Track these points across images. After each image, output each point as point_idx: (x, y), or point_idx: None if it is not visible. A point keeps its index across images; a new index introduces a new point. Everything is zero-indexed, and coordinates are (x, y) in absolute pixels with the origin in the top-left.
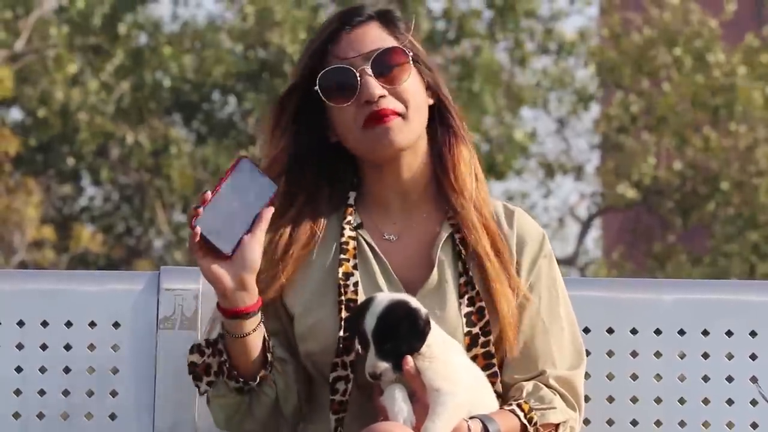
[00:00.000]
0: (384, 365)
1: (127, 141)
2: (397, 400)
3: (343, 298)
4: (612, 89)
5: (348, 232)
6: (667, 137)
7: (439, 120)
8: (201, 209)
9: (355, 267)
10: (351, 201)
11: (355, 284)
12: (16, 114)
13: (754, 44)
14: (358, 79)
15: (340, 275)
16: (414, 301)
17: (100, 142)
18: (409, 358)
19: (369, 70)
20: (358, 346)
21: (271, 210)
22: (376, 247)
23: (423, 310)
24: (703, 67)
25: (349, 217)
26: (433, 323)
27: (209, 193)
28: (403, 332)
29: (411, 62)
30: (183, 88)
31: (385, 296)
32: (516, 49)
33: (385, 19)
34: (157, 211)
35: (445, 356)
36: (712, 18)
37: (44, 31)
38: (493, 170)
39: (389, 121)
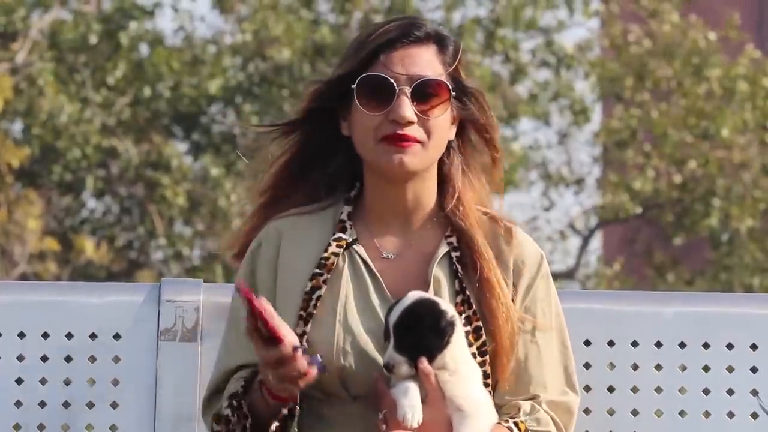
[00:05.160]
0: (399, 358)
1: (122, 153)
2: (410, 393)
3: (303, 312)
4: (612, 101)
5: (333, 249)
6: (663, 157)
7: (458, 150)
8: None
9: (324, 282)
10: (344, 216)
11: (318, 299)
12: (16, 127)
13: (754, 56)
14: (396, 96)
15: (307, 288)
16: (444, 303)
17: (91, 154)
18: (423, 358)
19: (408, 92)
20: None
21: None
22: (371, 264)
23: (451, 313)
24: (701, 82)
25: (339, 234)
26: (463, 340)
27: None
28: (423, 329)
29: (450, 99)
30: (181, 101)
31: (416, 293)
32: (511, 61)
33: (442, 45)
34: (156, 224)
35: (467, 375)
36: (710, 31)
37: (39, 47)
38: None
39: (408, 147)
